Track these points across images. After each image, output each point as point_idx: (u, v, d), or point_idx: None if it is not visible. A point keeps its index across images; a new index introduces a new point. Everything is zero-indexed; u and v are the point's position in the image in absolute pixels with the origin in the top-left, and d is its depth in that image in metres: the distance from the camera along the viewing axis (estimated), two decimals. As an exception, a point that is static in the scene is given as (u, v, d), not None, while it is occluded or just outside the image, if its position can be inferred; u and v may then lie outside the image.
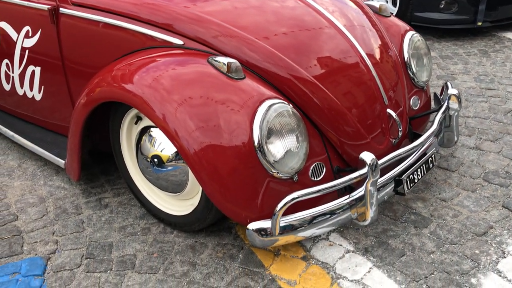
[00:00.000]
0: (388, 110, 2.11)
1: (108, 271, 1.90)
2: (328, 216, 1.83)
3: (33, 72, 2.50)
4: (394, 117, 2.10)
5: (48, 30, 2.31)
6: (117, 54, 2.14)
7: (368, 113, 2.05)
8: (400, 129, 2.12)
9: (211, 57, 1.88)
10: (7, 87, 2.69)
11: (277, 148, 1.77)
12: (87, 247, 2.03)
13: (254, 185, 1.75)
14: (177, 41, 2.01)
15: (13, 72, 2.60)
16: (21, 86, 2.60)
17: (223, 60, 1.84)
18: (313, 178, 1.89)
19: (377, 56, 2.19)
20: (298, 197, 1.72)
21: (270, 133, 1.75)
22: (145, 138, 2.04)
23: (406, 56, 2.41)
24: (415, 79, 2.41)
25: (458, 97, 2.30)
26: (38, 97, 2.56)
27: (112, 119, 2.14)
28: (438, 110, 2.33)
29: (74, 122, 2.14)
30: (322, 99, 1.93)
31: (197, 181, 1.76)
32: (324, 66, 2.01)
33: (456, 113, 2.32)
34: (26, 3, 2.34)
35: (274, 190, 1.79)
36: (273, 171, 1.75)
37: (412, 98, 2.39)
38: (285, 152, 1.78)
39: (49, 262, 1.95)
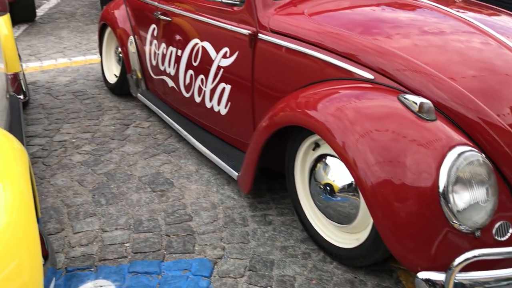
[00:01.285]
0: None
1: (268, 287, 1.98)
2: (506, 283, 1.66)
3: (223, 89, 2.73)
4: None
5: (244, 53, 2.52)
6: (305, 81, 2.24)
7: None
8: None
9: (401, 95, 1.86)
10: (197, 99, 2.98)
11: (463, 199, 1.67)
12: (250, 260, 2.13)
13: (431, 232, 1.67)
14: (367, 74, 2.03)
15: (205, 87, 2.87)
16: (210, 100, 2.86)
17: (414, 99, 1.80)
18: (497, 237, 1.74)
19: None
20: (480, 256, 1.59)
21: (458, 181, 1.66)
22: (320, 165, 2.09)
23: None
24: None
25: None
26: (223, 111, 2.79)
27: (290, 142, 2.23)
28: None
29: (255, 141, 2.28)
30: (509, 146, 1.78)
31: (370, 215, 1.74)
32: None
33: None
34: (229, 27, 2.58)
35: (452, 243, 1.69)
36: (454, 221, 1.65)
37: None
38: (471, 204, 1.67)
39: (215, 266, 2.10)
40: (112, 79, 4.18)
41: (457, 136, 1.76)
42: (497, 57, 2.02)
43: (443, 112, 1.86)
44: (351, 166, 1.77)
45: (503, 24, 2.30)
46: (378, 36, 2.12)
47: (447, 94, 1.87)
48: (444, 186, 1.64)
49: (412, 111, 1.80)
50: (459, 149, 1.69)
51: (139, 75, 3.73)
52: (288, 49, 2.30)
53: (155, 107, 3.49)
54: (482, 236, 1.71)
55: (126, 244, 2.24)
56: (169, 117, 3.31)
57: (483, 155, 1.72)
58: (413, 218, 1.67)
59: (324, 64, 2.17)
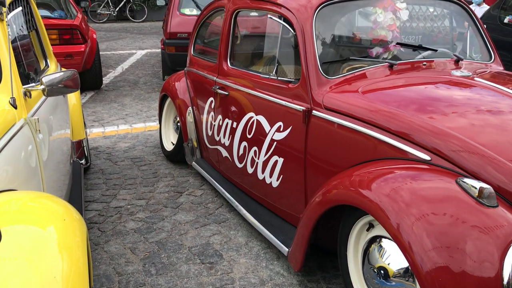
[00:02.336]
0: None
1: None
2: None
3: (276, 161, 2.75)
4: None
5: (298, 128, 2.55)
6: (358, 159, 2.22)
7: None
8: None
9: (460, 178, 1.80)
10: (250, 170, 3.01)
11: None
12: None
13: (494, 330, 1.55)
14: (423, 155, 1.99)
15: (258, 159, 2.91)
16: (263, 172, 2.88)
17: (473, 183, 1.74)
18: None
19: None
20: None
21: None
22: (374, 246, 2.02)
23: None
24: None
25: None
26: (275, 184, 2.80)
27: (343, 221, 2.18)
28: None
29: (307, 216, 2.25)
30: None
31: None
32: None
33: None
34: (284, 103, 2.64)
35: None
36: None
37: None
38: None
39: None
40: (169, 147, 4.32)
41: (521, 225, 1.66)
42: None
43: (504, 197, 1.78)
44: (406, 250, 1.70)
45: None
46: (433, 115, 2.09)
47: (507, 177, 1.80)
48: (509, 279, 1.54)
49: (471, 195, 1.73)
50: (524, 241, 1.60)
51: (195, 144, 3.84)
52: (341, 126, 2.31)
53: (208, 175, 3.56)
54: None
55: (173, 318, 2.21)
56: (221, 186, 3.35)
57: (551, 246, 1.61)
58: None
59: (377, 142, 2.15)
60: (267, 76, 2.79)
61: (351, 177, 2.07)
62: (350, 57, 2.60)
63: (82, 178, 3.37)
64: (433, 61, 2.75)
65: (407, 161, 2.03)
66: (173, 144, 4.25)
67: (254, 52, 3.46)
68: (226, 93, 3.22)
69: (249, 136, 2.98)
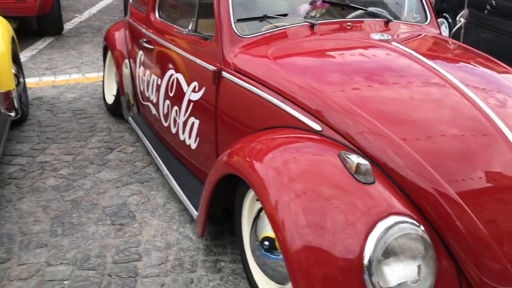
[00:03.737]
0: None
1: None
2: None
3: (193, 123, 2.64)
4: None
5: (210, 89, 2.42)
6: (262, 124, 2.12)
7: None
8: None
9: (343, 152, 1.70)
10: (173, 130, 2.91)
11: (390, 275, 1.50)
12: (184, 311, 2.02)
13: (353, 311, 1.51)
14: (315, 126, 1.89)
15: (179, 119, 2.79)
16: (183, 132, 2.78)
17: (353, 158, 1.65)
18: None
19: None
20: None
21: (387, 255, 1.49)
22: (262, 214, 1.96)
23: None
24: None
25: None
26: (193, 146, 2.70)
27: (239, 187, 2.11)
28: None
29: (207, 180, 2.17)
30: (466, 224, 1.59)
31: (290, 281, 1.58)
32: (476, 183, 1.66)
33: None
34: (198, 61, 2.50)
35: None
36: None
37: None
38: (400, 283, 1.49)
39: (146, 316, 1.99)
40: (110, 100, 4.18)
41: (395, 204, 1.59)
42: (457, 115, 1.83)
43: (388, 173, 1.70)
44: (277, 227, 1.62)
45: (476, 75, 2.10)
46: (330, 83, 1.97)
47: (392, 151, 1.70)
48: (370, 259, 1.48)
49: (349, 171, 1.64)
50: (393, 219, 1.52)
51: (131, 98, 3.71)
52: (247, 90, 2.19)
53: (141, 132, 3.45)
54: None
55: (65, 282, 2.17)
56: (150, 144, 3.25)
57: (422, 228, 1.54)
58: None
59: (277, 109, 2.04)
60: (184, 31, 2.63)
61: (244, 147, 1.96)
62: (267, 15, 2.43)
63: (7, 131, 3.26)
64: (362, 21, 2.60)
65: (300, 131, 1.93)
66: (114, 97, 4.11)
67: (184, 4, 3.26)
68: (152, 47, 3.06)
69: (171, 95, 2.86)
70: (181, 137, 2.82)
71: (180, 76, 2.72)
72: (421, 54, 2.17)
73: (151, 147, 3.21)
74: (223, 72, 2.33)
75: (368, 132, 1.76)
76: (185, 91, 2.66)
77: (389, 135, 1.74)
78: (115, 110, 4.06)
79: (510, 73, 2.22)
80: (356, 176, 1.62)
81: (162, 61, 2.94)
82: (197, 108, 2.57)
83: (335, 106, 1.86)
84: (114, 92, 4.17)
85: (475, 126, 1.80)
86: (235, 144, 2.04)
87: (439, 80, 1.98)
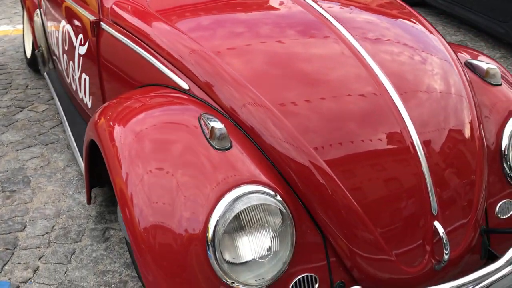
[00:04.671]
0: (435, 223, 1.50)
1: (55, 325, 1.72)
2: None
3: (85, 80, 2.42)
4: (441, 234, 1.48)
5: (92, 42, 2.19)
6: (140, 81, 1.91)
7: (397, 222, 1.48)
8: (446, 252, 1.49)
9: (204, 114, 1.51)
10: (74, 87, 2.68)
11: (239, 250, 1.35)
12: (57, 286, 1.87)
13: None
14: (184, 84, 1.68)
15: (75, 75, 2.56)
16: (80, 90, 2.56)
17: (214, 122, 1.46)
18: (296, 296, 1.43)
19: (443, 141, 1.57)
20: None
21: (235, 229, 1.34)
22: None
23: (504, 143, 1.71)
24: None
25: None
26: (89, 105, 2.49)
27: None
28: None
29: (84, 144, 1.98)
30: (334, 194, 1.43)
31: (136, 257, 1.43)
32: (348, 150, 1.49)
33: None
34: (81, 10, 2.24)
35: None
36: (227, 280, 1.34)
37: (501, 202, 1.71)
38: (252, 259, 1.35)
39: (14, 293, 1.85)
40: (29, 54, 3.89)
41: (252, 172, 1.41)
42: (342, 76, 1.62)
43: (253, 138, 1.51)
44: (124, 203, 1.45)
45: (375, 26, 1.88)
46: (203, 38, 1.74)
47: (258, 114, 1.51)
48: (213, 233, 1.32)
49: (205, 136, 1.46)
50: (243, 189, 1.35)
51: (45, 52, 3.43)
52: (124, 44, 1.96)
53: (53, 89, 3.20)
54: None
55: None
56: (60, 102, 3.01)
57: (279, 198, 1.38)
58: (178, 268, 1.36)
59: (152, 66, 1.82)
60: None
61: (107, 110, 1.74)
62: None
63: None
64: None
65: (169, 90, 1.72)
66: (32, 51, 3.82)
67: None
68: (49, -5, 2.78)
69: (66, 48, 2.60)
70: (80, 95, 2.59)
71: (69, 28, 2.46)
72: (316, 3, 1.93)
73: (59, 105, 2.98)
74: (101, 23, 2.08)
75: (236, 91, 1.56)
76: (74, 44, 2.42)
77: (258, 96, 1.54)
78: (35, 65, 3.78)
79: (416, 23, 2.01)
80: (210, 141, 1.44)
81: (56, 11, 2.66)
82: (85, 63, 2.34)
83: (204, 64, 1.64)
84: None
85: (359, 88, 1.60)
86: (103, 106, 1.84)
87: (331, 33, 1.76)
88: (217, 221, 1.32)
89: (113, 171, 1.50)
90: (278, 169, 1.47)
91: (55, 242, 2.09)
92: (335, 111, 1.55)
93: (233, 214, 1.32)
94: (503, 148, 1.72)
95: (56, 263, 1.98)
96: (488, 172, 1.67)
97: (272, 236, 1.36)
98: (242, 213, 1.34)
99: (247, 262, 1.35)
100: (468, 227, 1.56)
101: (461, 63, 1.84)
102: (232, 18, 1.91)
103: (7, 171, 2.58)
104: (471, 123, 1.65)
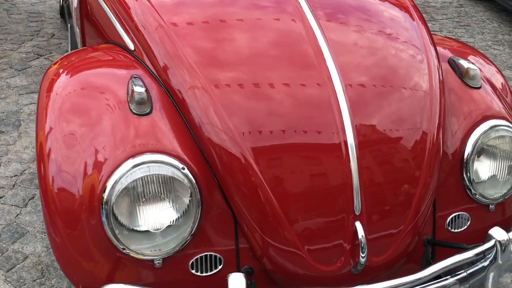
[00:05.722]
0: (357, 224, 1.39)
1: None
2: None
3: (77, 32, 2.45)
4: (359, 236, 1.37)
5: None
6: (106, 37, 1.91)
7: (314, 218, 1.39)
8: (363, 255, 1.38)
9: (134, 79, 1.47)
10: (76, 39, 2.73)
11: (138, 218, 1.32)
12: (4, 227, 1.95)
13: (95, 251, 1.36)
14: (131, 45, 1.65)
15: (74, 28, 2.60)
16: (78, 42, 2.59)
17: (134, 86, 1.42)
18: (194, 271, 1.38)
19: (382, 143, 1.44)
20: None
21: (134, 195, 1.31)
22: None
23: (467, 151, 1.55)
24: (471, 189, 1.55)
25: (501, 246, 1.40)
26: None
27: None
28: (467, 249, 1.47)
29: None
30: (248, 179, 1.35)
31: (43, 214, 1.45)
32: (277, 138, 1.40)
33: (493, 272, 1.42)
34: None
35: (128, 269, 1.36)
36: (118, 245, 1.32)
37: (454, 215, 1.56)
38: (148, 229, 1.32)
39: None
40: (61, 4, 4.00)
41: (163, 142, 1.36)
42: (290, 61, 1.50)
43: (176, 102, 1.46)
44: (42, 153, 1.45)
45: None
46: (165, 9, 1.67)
47: (190, 85, 1.43)
48: (108, 196, 1.29)
49: (128, 100, 1.43)
50: (148, 157, 1.32)
51: (70, 4, 3.51)
52: (99, 4, 1.95)
53: (70, 40, 3.28)
54: (170, 267, 1.36)
55: None
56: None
57: (187, 172, 1.32)
58: (77, 226, 1.35)
59: (112, 24, 1.81)
60: None
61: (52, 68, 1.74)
62: None
63: None
64: None
65: (120, 49, 1.70)
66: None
67: None
68: None
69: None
70: (79, 46, 2.64)
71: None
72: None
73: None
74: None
75: (173, 61, 1.50)
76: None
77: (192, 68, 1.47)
78: (61, 15, 3.89)
79: (399, 13, 1.83)
80: (130, 105, 1.41)
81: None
82: (76, 16, 2.36)
83: (148, 27, 1.59)
84: (68, -5, 3.99)
85: (302, 76, 1.48)
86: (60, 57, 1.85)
87: (293, 11, 1.63)
88: (112, 185, 1.29)
89: (39, 123, 1.51)
90: (201, 147, 1.41)
91: (19, 185, 2.17)
92: (272, 97, 1.45)
93: (129, 180, 1.29)
94: (465, 157, 1.56)
95: (12, 205, 2.05)
96: (444, 181, 1.53)
97: (173, 210, 1.32)
98: (143, 182, 1.30)
99: (145, 231, 1.32)
100: (400, 234, 1.44)
101: (438, 59, 1.67)
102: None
103: (3, 112, 2.69)
104: (428, 126, 1.51)
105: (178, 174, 1.31)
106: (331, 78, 1.46)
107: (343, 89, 1.44)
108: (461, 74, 1.71)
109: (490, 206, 1.60)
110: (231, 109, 1.40)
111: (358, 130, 1.42)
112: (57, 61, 1.74)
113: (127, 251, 1.32)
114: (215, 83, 1.44)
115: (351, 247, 1.40)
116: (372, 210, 1.42)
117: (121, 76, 1.52)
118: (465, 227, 1.60)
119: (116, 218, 1.30)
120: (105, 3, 1.83)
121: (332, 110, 1.43)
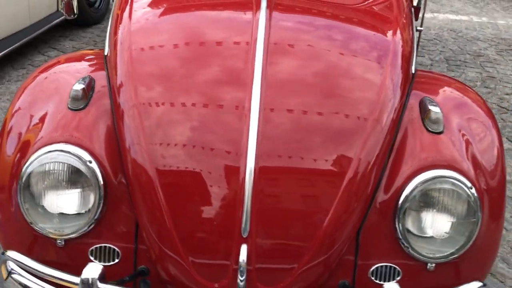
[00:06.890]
0: (243, 248, 1.33)
1: None
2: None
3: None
4: (240, 260, 1.32)
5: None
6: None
7: (202, 232, 1.39)
8: (241, 279, 1.31)
9: (83, 78, 1.58)
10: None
11: (48, 200, 1.44)
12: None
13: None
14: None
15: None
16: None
17: (77, 83, 1.55)
18: (93, 258, 1.46)
19: (287, 172, 1.38)
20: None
21: (37, 178, 1.42)
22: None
23: (403, 197, 1.39)
24: (403, 241, 1.39)
25: None
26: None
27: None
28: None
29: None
30: (146, 185, 1.39)
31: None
32: (182, 150, 1.44)
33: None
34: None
35: (38, 242, 1.48)
36: (28, 220, 1.45)
37: (380, 266, 1.42)
38: (54, 212, 1.43)
39: None
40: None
41: (77, 135, 1.48)
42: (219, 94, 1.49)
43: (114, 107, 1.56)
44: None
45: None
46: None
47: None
48: (22, 176, 1.41)
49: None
50: (56, 146, 1.43)
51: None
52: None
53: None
54: (71, 249, 1.45)
55: None
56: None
57: (91, 165, 1.40)
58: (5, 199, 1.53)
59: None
60: None
61: None
62: None
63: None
64: None
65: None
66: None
67: None
68: None
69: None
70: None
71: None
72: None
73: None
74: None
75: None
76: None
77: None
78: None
79: (382, 35, 1.70)
80: (69, 102, 1.55)
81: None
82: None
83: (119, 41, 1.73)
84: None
85: (224, 90, 1.49)
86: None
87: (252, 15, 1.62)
88: (28, 165, 1.43)
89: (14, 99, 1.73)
90: (121, 152, 1.49)
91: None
92: (190, 118, 1.48)
93: (37, 164, 1.40)
94: (399, 204, 1.40)
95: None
96: (374, 225, 1.41)
97: (75, 200, 1.43)
98: (50, 168, 1.41)
99: (47, 213, 1.44)
100: (296, 269, 1.36)
101: (402, 97, 1.55)
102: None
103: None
104: (355, 162, 1.40)
105: (82, 167, 1.41)
106: (251, 101, 1.44)
107: (258, 117, 1.41)
108: (423, 116, 1.57)
109: (429, 265, 1.42)
110: (151, 130, 1.46)
111: (260, 156, 1.38)
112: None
113: (36, 228, 1.44)
114: (143, 102, 1.51)
115: (235, 269, 1.36)
116: (265, 236, 1.37)
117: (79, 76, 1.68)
118: (394, 281, 1.43)
119: (29, 195, 1.44)
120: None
121: (241, 133, 1.41)
